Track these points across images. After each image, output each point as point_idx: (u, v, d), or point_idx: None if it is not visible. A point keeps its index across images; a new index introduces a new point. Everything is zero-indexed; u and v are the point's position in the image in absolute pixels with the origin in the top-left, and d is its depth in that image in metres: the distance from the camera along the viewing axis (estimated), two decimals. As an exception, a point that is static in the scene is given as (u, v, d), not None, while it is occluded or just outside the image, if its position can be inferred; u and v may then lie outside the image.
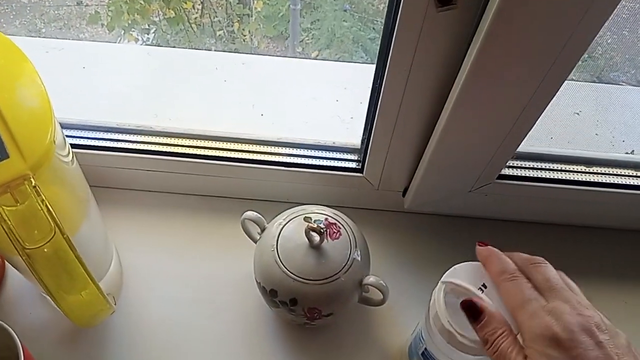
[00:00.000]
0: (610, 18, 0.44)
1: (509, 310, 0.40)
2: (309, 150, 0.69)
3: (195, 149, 0.68)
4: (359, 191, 0.70)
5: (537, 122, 0.56)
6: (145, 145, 0.68)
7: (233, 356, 0.62)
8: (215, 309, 0.65)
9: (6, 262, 0.64)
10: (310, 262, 0.56)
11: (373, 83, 0.57)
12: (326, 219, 0.59)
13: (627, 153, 0.77)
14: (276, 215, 0.61)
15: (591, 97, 0.88)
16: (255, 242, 0.61)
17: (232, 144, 0.69)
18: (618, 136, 0.80)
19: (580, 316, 0.37)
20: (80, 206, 0.53)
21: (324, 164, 0.68)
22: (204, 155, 0.68)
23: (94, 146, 0.68)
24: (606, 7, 0.43)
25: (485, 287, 0.43)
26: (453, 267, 0.46)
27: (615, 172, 0.69)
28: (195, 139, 0.69)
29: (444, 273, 0.46)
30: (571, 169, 0.69)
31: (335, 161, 0.69)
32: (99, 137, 0.68)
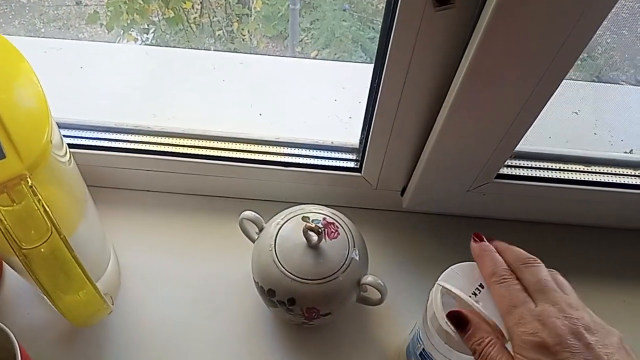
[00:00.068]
0: (609, 17, 0.44)
1: (500, 314, 0.41)
2: (308, 150, 0.69)
3: (193, 149, 0.68)
4: (357, 191, 0.70)
5: (535, 122, 0.56)
6: (143, 145, 0.68)
7: (231, 356, 0.62)
8: (213, 308, 0.65)
9: (4, 263, 0.64)
10: (308, 261, 0.56)
11: (371, 83, 0.57)
12: (324, 219, 0.59)
13: (625, 152, 0.77)
14: (274, 215, 0.61)
15: (590, 97, 0.88)
16: (253, 241, 0.61)
17: (231, 143, 0.69)
18: (617, 135, 0.80)
19: (568, 319, 0.37)
20: (77, 206, 0.53)
21: (323, 164, 0.68)
22: (202, 155, 0.68)
23: (91, 146, 0.68)
24: (604, 7, 0.42)
25: (483, 288, 0.43)
26: (450, 268, 0.46)
27: (613, 172, 0.69)
28: (193, 138, 0.69)
29: (441, 273, 0.46)
30: (570, 169, 0.69)
31: (334, 161, 0.69)
32: (97, 137, 0.68)
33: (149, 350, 0.61)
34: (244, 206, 0.63)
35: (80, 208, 0.54)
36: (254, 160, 0.68)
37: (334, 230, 0.58)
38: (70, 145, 0.66)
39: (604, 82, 0.92)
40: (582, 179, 0.68)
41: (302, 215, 0.59)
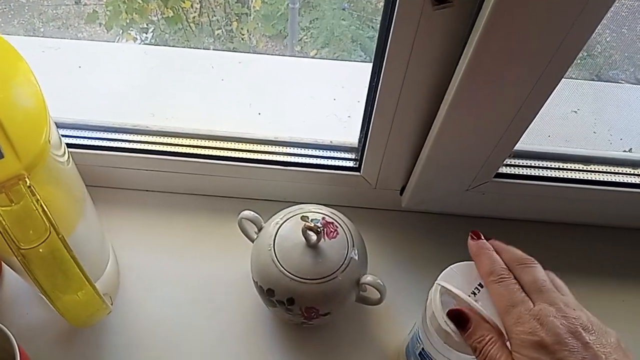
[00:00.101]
0: (609, 16, 0.44)
1: (498, 313, 0.41)
2: (307, 150, 0.69)
3: (191, 149, 0.68)
4: (357, 190, 0.70)
5: (534, 120, 0.56)
6: (142, 144, 0.68)
7: (231, 356, 0.62)
8: (212, 308, 0.65)
9: (2, 263, 0.64)
10: (308, 261, 0.56)
11: (370, 81, 0.57)
12: (323, 218, 0.59)
13: (624, 151, 0.77)
14: (273, 215, 0.61)
15: (589, 95, 0.88)
16: (253, 241, 0.61)
17: (229, 143, 0.69)
18: (616, 134, 0.80)
19: (566, 318, 0.37)
20: (76, 206, 0.53)
21: (322, 163, 0.68)
22: (201, 155, 0.68)
23: (90, 146, 0.68)
24: (603, 4, 0.42)
25: (482, 287, 0.43)
26: (449, 267, 0.46)
27: (613, 170, 0.69)
28: (192, 138, 0.69)
29: (441, 272, 0.46)
30: (569, 167, 0.69)
31: (333, 160, 0.69)
32: (96, 136, 0.68)
33: (149, 350, 0.61)
34: (242, 206, 0.63)
35: (79, 208, 0.54)
36: (253, 159, 0.68)
37: (333, 230, 0.58)
38: (69, 145, 0.66)
39: (603, 81, 0.92)
40: (582, 177, 0.68)
41: (301, 215, 0.59)
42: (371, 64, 0.55)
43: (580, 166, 0.69)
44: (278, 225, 0.58)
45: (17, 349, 0.49)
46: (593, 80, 0.92)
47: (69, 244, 0.42)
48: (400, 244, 0.72)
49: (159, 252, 0.68)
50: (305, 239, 0.56)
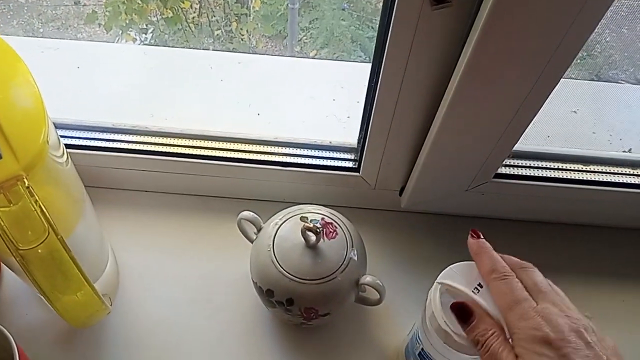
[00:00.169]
0: (608, 16, 0.44)
1: (500, 311, 0.41)
2: (306, 150, 0.69)
3: (191, 149, 0.68)
4: (356, 190, 0.70)
5: (533, 121, 0.56)
6: (141, 145, 0.68)
7: (230, 356, 0.62)
8: (212, 309, 0.65)
9: (1, 263, 0.64)
10: (307, 261, 0.56)
11: (369, 82, 0.57)
12: (322, 219, 0.59)
13: (624, 151, 0.77)
14: (272, 215, 0.60)
15: (589, 96, 0.88)
16: (252, 242, 0.61)
17: (229, 143, 0.69)
18: (615, 134, 0.80)
19: (569, 318, 0.38)
20: (75, 206, 0.53)
21: (321, 164, 0.68)
22: (200, 155, 0.68)
23: (89, 146, 0.67)
24: (601, 5, 0.42)
25: (481, 287, 0.43)
26: (449, 267, 0.46)
27: (612, 171, 0.69)
28: (191, 138, 0.69)
29: (440, 272, 0.46)
30: (568, 168, 0.69)
31: (332, 160, 0.69)
32: (95, 137, 0.68)
33: (148, 350, 0.61)
34: (242, 206, 0.63)
35: (78, 208, 0.54)
36: (252, 160, 0.68)
37: (332, 230, 0.58)
38: (68, 146, 0.66)
39: (603, 81, 0.92)
40: (581, 178, 0.68)
41: (300, 216, 0.59)
42: (370, 65, 0.55)
43: (580, 166, 0.69)
44: (277, 226, 0.58)
45: (16, 350, 0.48)
46: (593, 80, 0.92)
47: (68, 244, 0.42)
48: (399, 245, 0.72)
49: (158, 253, 0.68)
50: (304, 239, 0.56)
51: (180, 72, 0.86)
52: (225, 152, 0.68)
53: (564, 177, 0.68)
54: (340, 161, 0.69)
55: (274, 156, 0.68)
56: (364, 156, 0.65)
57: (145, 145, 0.68)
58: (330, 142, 0.69)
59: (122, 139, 0.68)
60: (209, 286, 0.66)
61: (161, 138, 0.69)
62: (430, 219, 0.74)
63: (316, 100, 0.82)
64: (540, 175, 0.68)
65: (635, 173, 0.69)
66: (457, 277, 0.45)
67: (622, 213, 0.72)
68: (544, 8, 0.42)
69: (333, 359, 0.62)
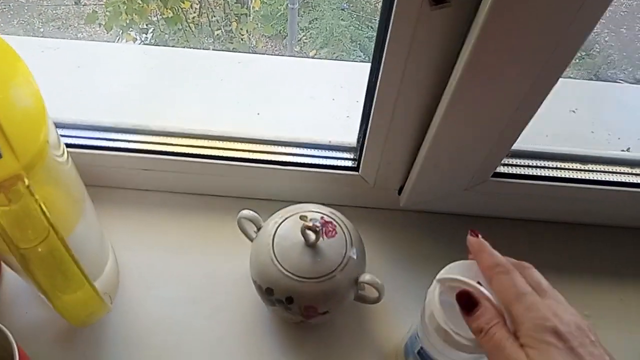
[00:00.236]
0: (607, 15, 0.44)
1: (502, 304, 0.41)
2: (305, 149, 0.69)
3: (191, 148, 0.68)
4: (355, 189, 0.70)
5: (532, 120, 0.56)
6: (142, 144, 0.68)
7: (229, 354, 0.62)
8: (211, 307, 0.65)
9: (2, 262, 0.64)
10: (306, 260, 0.56)
11: (368, 81, 0.57)
12: (322, 218, 0.59)
13: (622, 151, 0.77)
14: (272, 214, 0.61)
15: (588, 95, 0.88)
16: (252, 240, 0.61)
17: (229, 143, 0.69)
18: (614, 134, 0.80)
19: (574, 315, 0.38)
20: (75, 206, 0.53)
21: (320, 163, 0.68)
22: (200, 155, 0.68)
23: (89, 146, 0.68)
24: (600, 3, 0.42)
25: (481, 285, 0.43)
26: (448, 266, 0.46)
27: (611, 170, 0.69)
28: (191, 138, 0.69)
29: (439, 271, 0.46)
30: (567, 167, 0.69)
31: (331, 160, 0.69)
32: (95, 136, 0.68)
33: (148, 349, 0.62)
34: (242, 205, 0.63)
35: (79, 208, 0.54)
36: (252, 159, 0.68)
37: (331, 229, 0.58)
38: (68, 145, 0.66)
39: (601, 80, 0.93)
40: (580, 177, 0.68)
41: (300, 214, 0.59)
42: (370, 64, 0.55)
43: (578, 165, 0.69)
44: (277, 225, 0.58)
45: (16, 349, 0.49)
46: (591, 79, 0.92)
47: (68, 243, 0.42)
48: (398, 243, 0.72)
49: (158, 252, 0.68)
50: (304, 238, 0.56)
51: (180, 72, 0.86)
52: (225, 151, 0.68)
53: (563, 176, 0.68)
54: (339, 160, 0.69)
55: (273, 155, 0.68)
56: (363, 155, 0.65)
57: (146, 145, 0.68)
58: (329, 142, 0.69)
59: (123, 139, 0.68)
60: (209, 285, 0.66)
61: (161, 137, 0.69)
62: (429, 217, 0.74)
63: (316, 100, 0.82)
64: (539, 174, 0.68)
65: (634, 172, 0.69)
66: (456, 275, 0.45)
67: (621, 212, 0.72)
68: (545, 5, 0.42)
69: (332, 357, 0.63)
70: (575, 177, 0.68)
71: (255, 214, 0.61)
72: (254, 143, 0.69)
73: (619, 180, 0.68)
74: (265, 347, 0.63)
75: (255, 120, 0.79)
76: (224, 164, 0.68)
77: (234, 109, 0.81)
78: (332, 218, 0.59)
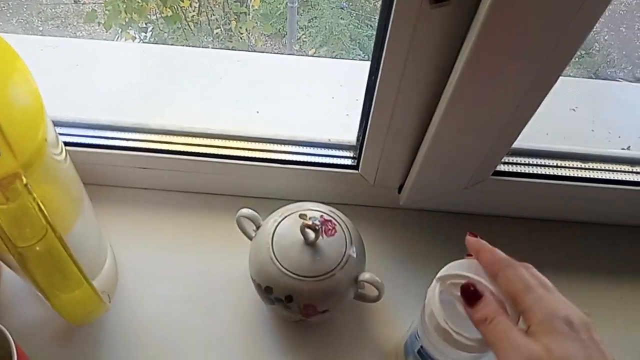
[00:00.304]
0: (607, 14, 0.44)
1: (510, 296, 0.41)
2: (305, 148, 0.69)
3: (190, 147, 0.68)
4: (355, 188, 0.70)
5: (532, 118, 0.56)
6: (140, 143, 0.68)
7: (229, 353, 0.62)
8: (210, 306, 0.65)
9: (0, 261, 0.64)
10: (306, 259, 0.56)
11: (368, 80, 0.57)
12: (321, 216, 0.59)
13: (623, 149, 0.77)
14: (271, 213, 0.60)
15: (588, 93, 0.88)
16: (251, 239, 0.61)
17: (228, 141, 0.69)
18: (614, 132, 0.80)
19: (579, 314, 0.39)
20: (73, 204, 0.53)
21: (320, 161, 0.68)
22: (199, 153, 0.68)
23: (88, 144, 0.67)
24: (600, 2, 0.42)
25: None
26: (448, 265, 0.46)
27: (611, 168, 0.69)
28: (190, 136, 0.69)
29: (439, 269, 0.46)
30: (567, 165, 0.69)
31: (331, 158, 0.69)
32: (94, 134, 0.68)
33: (147, 348, 0.61)
34: (241, 204, 0.63)
35: (77, 206, 0.54)
36: (252, 157, 0.68)
37: (331, 228, 0.58)
38: (67, 143, 0.66)
39: (601, 79, 0.93)
40: (580, 175, 0.68)
41: (299, 213, 0.59)
42: (369, 63, 0.55)
43: (579, 164, 0.69)
44: (276, 223, 0.58)
45: (15, 347, 0.49)
46: (591, 78, 0.92)
47: (66, 242, 0.42)
48: (398, 242, 0.72)
49: (157, 250, 0.68)
50: (303, 236, 0.56)
51: (179, 71, 0.86)
52: (224, 149, 0.68)
53: (563, 174, 0.68)
54: (339, 159, 0.69)
55: (273, 154, 0.68)
56: (362, 154, 0.65)
57: (144, 143, 0.68)
58: (329, 140, 0.69)
59: (121, 137, 0.68)
60: (207, 283, 0.66)
61: (160, 136, 0.69)
62: (429, 216, 0.74)
63: (315, 98, 0.82)
64: (539, 172, 0.68)
65: (634, 170, 0.69)
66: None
67: (621, 210, 0.72)
68: (543, 5, 0.42)
69: (332, 356, 0.62)
70: (575, 175, 0.68)
71: (255, 213, 0.61)
72: (253, 141, 0.69)
73: (619, 178, 0.68)
74: (264, 345, 0.62)
75: (254, 118, 0.79)
76: (223, 162, 0.68)
77: (233, 108, 0.81)
78: (331, 216, 0.59)
